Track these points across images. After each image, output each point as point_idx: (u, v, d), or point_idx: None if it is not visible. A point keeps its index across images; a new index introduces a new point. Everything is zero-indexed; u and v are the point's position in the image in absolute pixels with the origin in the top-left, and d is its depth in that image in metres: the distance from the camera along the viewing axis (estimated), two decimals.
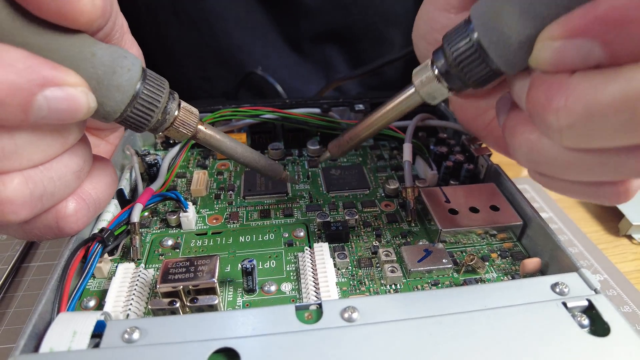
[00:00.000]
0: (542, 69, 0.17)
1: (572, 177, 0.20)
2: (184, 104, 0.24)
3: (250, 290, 0.25)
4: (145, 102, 0.21)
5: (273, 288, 0.26)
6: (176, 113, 0.23)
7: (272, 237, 0.30)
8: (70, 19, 0.18)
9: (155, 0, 0.51)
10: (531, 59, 0.17)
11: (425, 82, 0.22)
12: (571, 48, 0.15)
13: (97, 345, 0.19)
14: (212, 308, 0.23)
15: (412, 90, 0.23)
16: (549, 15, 0.16)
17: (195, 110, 0.24)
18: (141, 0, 0.50)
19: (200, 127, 0.25)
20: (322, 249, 0.27)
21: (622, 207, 0.38)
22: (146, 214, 0.32)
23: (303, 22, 0.55)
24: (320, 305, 0.21)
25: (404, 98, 0.24)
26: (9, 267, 0.35)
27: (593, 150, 0.17)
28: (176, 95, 0.23)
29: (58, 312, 0.22)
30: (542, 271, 0.27)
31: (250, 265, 0.24)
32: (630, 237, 0.38)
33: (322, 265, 0.26)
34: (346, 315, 0.20)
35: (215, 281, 0.23)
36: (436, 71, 0.21)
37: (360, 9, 0.55)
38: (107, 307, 0.23)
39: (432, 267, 0.26)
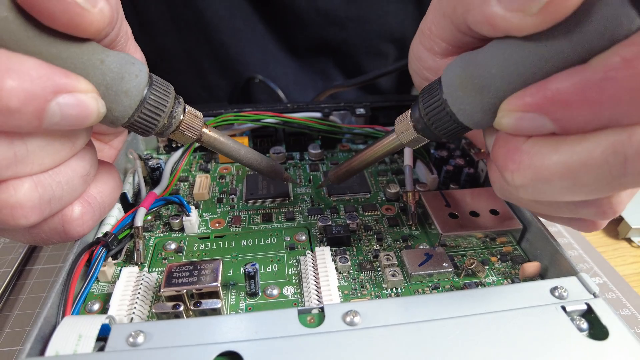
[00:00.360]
0: (504, 131, 0.19)
1: (538, 212, 0.23)
2: (189, 108, 0.24)
3: (252, 294, 0.26)
4: (152, 106, 0.22)
5: (275, 292, 0.26)
6: (182, 117, 0.24)
7: (274, 240, 0.30)
8: (81, 29, 0.18)
9: (153, 9, 0.51)
10: (495, 123, 0.19)
11: (404, 131, 0.24)
12: (527, 119, 0.17)
13: (102, 349, 0.20)
14: (215, 312, 0.23)
15: (393, 136, 0.25)
16: (507, 90, 0.18)
17: (199, 114, 0.25)
18: (140, 10, 0.51)
19: (205, 130, 0.26)
20: (324, 253, 0.27)
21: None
22: (149, 217, 0.32)
23: (300, 35, 0.56)
24: (322, 309, 0.21)
25: (388, 142, 0.26)
26: (12, 270, 0.35)
27: (547, 201, 0.20)
28: (181, 100, 0.24)
29: (63, 315, 0.22)
30: (541, 275, 0.27)
31: (253, 269, 0.24)
32: (629, 240, 0.38)
33: (323, 269, 0.26)
34: (348, 319, 0.20)
35: (219, 285, 0.24)
36: (412, 123, 0.23)
37: (355, 25, 0.56)
38: (112, 311, 0.23)
39: (432, 271, 0.26)
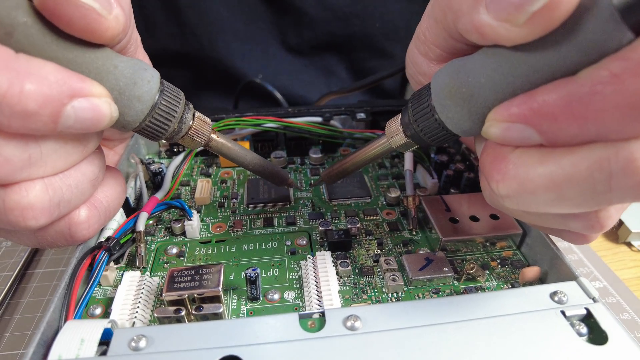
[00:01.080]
0: (492, 140, 0.19)
1: (528, 222, 0.23)
2: (198, 113, 0.25)
3: (254, 299, 0.26)
4: (163, 112, 0.22)
5: (276, 296, 0.26)
6: (191, 123, 0.24)
7: (275, 245, 0.30)
8: (97, 34, 0.19)
9: (159, 13, 0.52)
10: (482, 132, 0.19)
11: (394, 135, 0.24)
12: (513, 130, 0.17)
13: (104, 353, 0.20)
14: (216, 316, 0.23)
15: (384, 140, 0.25)
16: (496, 99, 0.18)
17: (208, 120, 0.25)
18: (147, 13, 0.51)
19: (213, 135, 0.26)
20: (325, 257, 0.27)
21: (622, 214, 0.39)
22: (151, 222, 0.32)
23: (306, 31, 0.56)
24: (323, 313, 0.21)
25: (379, 145, 0.26)
26: (14, 274, 0.35)
27: (534, 212, 0.19)
28: (191, 106, 0.24)
29: (65, 320, 0.22)
30: (541, 279, 0.27)
31: (254, 273, 0.25)
32: (629, 244, 0.38)
33: (324, 273, 0.26)
34: (349, 323, 0.21)
35: (220, 290, 0.24)
36: (402, 128, 0.23)
37: (360, 21, 0.56)
38: (114, 315, 0.23)
39: (433, 276, 0.26)
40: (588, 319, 0.21)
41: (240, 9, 0.53)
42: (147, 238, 0.31)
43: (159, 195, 0.33)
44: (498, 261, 0.29)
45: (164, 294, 0.23)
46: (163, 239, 0.31)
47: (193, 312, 0.23)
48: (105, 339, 0.20)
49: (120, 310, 0.24)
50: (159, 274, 0.28)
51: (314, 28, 0.56)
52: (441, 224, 0.29)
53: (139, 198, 0.34)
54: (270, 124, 0.38)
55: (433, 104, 0.21)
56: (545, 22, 0.15)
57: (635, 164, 0.14)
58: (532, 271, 0.27)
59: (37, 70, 0.17)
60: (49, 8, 0.17)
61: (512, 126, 0.17)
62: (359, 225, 0.31)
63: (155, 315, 0.23)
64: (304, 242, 0.31)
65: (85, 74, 0.19)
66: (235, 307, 0.25)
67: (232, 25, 0.54)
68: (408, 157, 0.36)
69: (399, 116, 0.24)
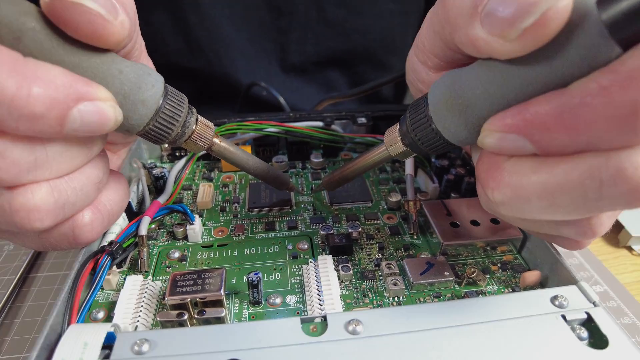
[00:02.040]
0: (487, 150, 0.19)
1: (522, 228, 0.23)
2: (201, 118, 0.25)
3: (256, 303, 0.26)
4: (167, 116, 0.22)
5: (278, 300, 0.26)
6: (194, 127, 0.24)
7: (276, 249, 0.31)
8: (103, 39, 0.19)
9: (167, 29, 0.53)
10: (478, 142, 0.19)
11: (393, 144, 0.25)
12: (507, 140, 0.17)
13: (107, 357, 0.20)
14: (219, 320, 0.23)
15: (383, 147, 0.26)
16: (491, 110, 0.18)
17: (211, 125, 0.26)
18: (154, 30, 0.52)
19: (216, 140, 0.26)
20: (326, 262, 0.27)
21: (622, 219, 0.39)
22: (153, 226, 0.32)
23: (308, 48, 0.57)
24: (325, 317, 0.22)
25: (378, 153, 0.27)
26: (17, 278, 0.35)
27: (528, 219, 0.20)
28: (194, 110, 0.25)
29: (69, 324, 0.22)
30: (542, 284, 0.27)
31: (256, 278, 0.25)
32: (630, 249, 0.39)
33: (326, 277, 0.26)
34: (350, 327, 0.21)
35: (222, 294, 0.24)
36: (400, 136, 0.24)
37: (360, 35, 0.58)
38: (117, 319, 0.24)
39: (434, 280, 0.27)
40: (589, 323, 0.22)
41: (246, 26, 0.55)
42: (150, 242, 0.31)
43: (161, 199, 0.33)
44: (499, 265, 0.29)
45: (166, 298, 0.24)
46: (165, 243, 0.31)
47: (195, 316, 0.23)
48: (108, 343, 0.20)
49: (123, 314, 0.24)
50: (161, 278, 0.28)
51: (316, 44, 0.57)
52: (442, 228, 0.29)
53: (141, 202, 0.34)
54: (271, 128, 0.39)
55: (430, 114, 0.21)
56: (536, 38, 0.15)
57: (624, 173, 0.15)
58: (532, 275, 0.27)
59: (45, 74, 0.17)
60: (57, 14, 0.18)
61: (506, 136, 0.17)
62: (360, 229, 0.31)
63: (158, 319, 0.23)
64: (306, 246, 0.31)
65: (91, 78, 0.19)
66: (237, 311, 0.26)
67: (238, 42, 0.55)
68: (409, 161, 0.36)
69: (397, 125, 0.24)
